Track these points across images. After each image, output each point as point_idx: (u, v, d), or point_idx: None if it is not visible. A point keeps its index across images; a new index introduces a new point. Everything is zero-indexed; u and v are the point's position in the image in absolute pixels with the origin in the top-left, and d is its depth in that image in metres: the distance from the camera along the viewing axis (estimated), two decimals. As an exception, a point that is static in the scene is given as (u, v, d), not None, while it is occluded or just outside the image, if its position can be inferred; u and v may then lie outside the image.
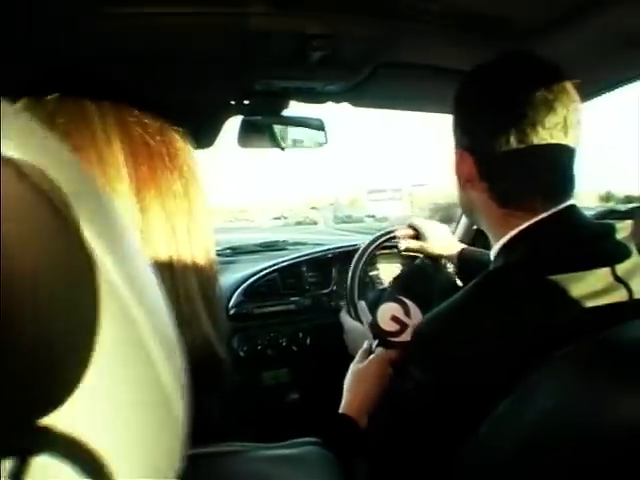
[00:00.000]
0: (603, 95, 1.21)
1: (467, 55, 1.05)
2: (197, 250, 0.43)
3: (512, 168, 0.77)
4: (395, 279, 1.09)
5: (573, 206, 0.79)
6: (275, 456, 0.38)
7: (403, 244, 1.35)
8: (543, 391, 0.63)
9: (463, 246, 1.31)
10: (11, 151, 0.18)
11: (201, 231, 0.44)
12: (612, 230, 0.78)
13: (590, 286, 0.71)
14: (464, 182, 0.84)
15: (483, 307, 0.74)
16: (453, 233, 1.98)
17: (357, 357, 1.05)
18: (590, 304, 0.70)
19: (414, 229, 1.36)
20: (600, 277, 0.72)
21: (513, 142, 0.75)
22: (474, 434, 0.69)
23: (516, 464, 0.63)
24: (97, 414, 0.20)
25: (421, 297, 1.05)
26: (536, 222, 0.77)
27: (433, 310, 0.80)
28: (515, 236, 0.79)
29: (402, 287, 1.06)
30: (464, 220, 2.02)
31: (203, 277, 0.43)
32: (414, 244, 1.33)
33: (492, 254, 0.84)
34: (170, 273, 0.40)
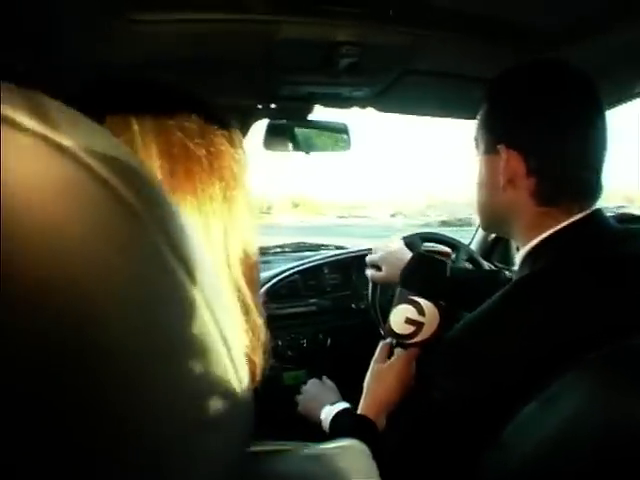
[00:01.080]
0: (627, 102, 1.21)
1: (490, 63, 1.06)
2: (234, 254, 0.43)
3: (559, 165, 0.78)
4: (401, 279, 1.07)
5: (600, 210, 0.80)
6: (319, 455, 0.39)
7: (369, 274, 1.37)
8: (567, 396, 0.63)
9: None
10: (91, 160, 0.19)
11: (240, 235, 0.44)
12: (637, 234, 0.79)
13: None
14: (505, 182, 0.84)
15: (516, 313, 0.75)
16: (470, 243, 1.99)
17: (376, 355, 1.06)
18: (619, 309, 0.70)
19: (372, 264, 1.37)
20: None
21: (559, 140, 0.77)
22: (497, 438, 0.69)
23: (538, 469, 0.63)
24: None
25: (430, 289, 1.03)
26: (569, 224, 0.78)
27: (464, 319, 0.80)
28: (546, 238, 0.79)
29: (409, 284, 1.04)
30: (479, 234, 2.02)
31: (238, 282, 0.43)
32: (377, 275, 1.34)
33: (519, 257, 0.85)
34: None
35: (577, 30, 0.95)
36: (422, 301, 1.01)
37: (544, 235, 0.80)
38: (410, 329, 1.01)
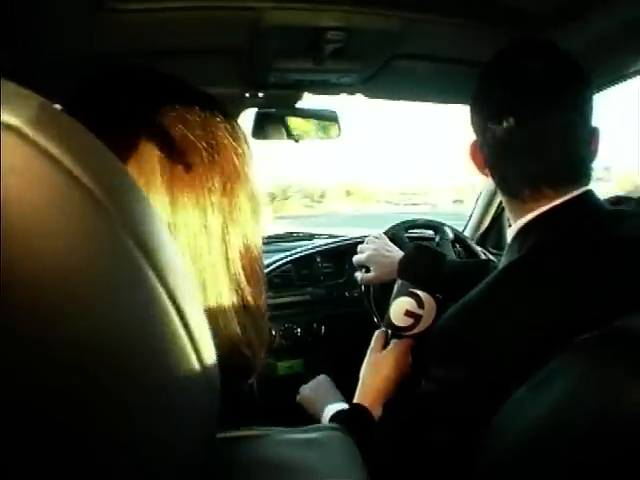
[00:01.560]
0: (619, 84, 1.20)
1: (480, 46, 1.05)
2: (233, 248, 0.42)
3: (511, 155, 0.78)
4: (401, 271, 1.07)
5: (590, 191, 0.79)
6: (299, 440, 0.39)
7: (358, 277, 1.38)
8: (559, 379, 0.64)
9: None
10: (55, 149, 0.19)
11: (241, 229, 0.43)
12: (629, 215, 0.78)
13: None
14: (482, 170, 0.85)
15: (506, 299, 0.75)
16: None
17: (372, 345, 1.06)
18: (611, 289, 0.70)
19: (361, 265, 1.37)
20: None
21: (512, 127, 0.76)
22: (491, 422, 0.69)
23: (532, 451, 0.63)
24: None
25: (430, 281, 1.04)
26: (558, 204, 0.77)
27: (453, 307, 0.80)
28: (534, 219, 0.79)
29: (410, 277, 1.05)
30: (473, 220, 2.02)
31: (237, 277, 0.42)
32: (367, 277, 1.35)
33: (509, 236, 0.86)
34: (198, 271, 0.39)
35: (569, 11, 0.93)
36: (422, 294, 1.01)
37: (530, 216, 0.80)
38: (409, 321, 1.01)
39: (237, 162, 0.44)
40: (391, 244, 1.38)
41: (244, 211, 0.44)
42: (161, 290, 0.21)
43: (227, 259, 0.41)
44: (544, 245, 0.76)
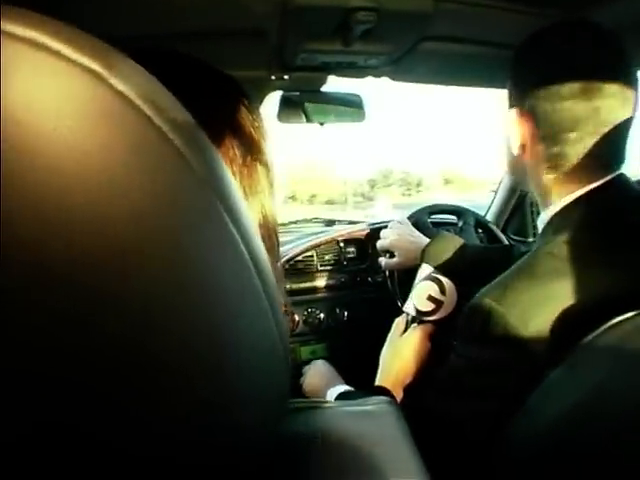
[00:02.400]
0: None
1: (512, 28, 1.03)
2: (253, 217, 0.43)
3: (572, 131, 0.77)
4: (425, 256, 1.08)
5: (622, 175, 0.79)
6: (352, 412, 0.39)
7: (382, 262, 1.39)
8: (594, 360, 0.64)
9: None
10: (134, 95, 0.18)
11: (259, 201, 0.44)
12: None
13: None
14: (519, 146, 0.84)
15: (540, 283, 0.74)
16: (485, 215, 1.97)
17: (392, 330, 1.07)
18: None
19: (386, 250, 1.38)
20: None
21: (576, 105, 0.75)
22: (523, 404, 0.69)
23: (563, 435, 0.63)
24: None
25: (453, 268, 1.04)
26: (589, 191, 0.77)
27: (487, 287, 0.79)
28: (566, 206, 0.79)
29: (434, 262, 1.05)
30: (495, 206, 2.00)
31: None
32: (392, 262, 1.35)
33: (540, 223, 0.85)
34: None
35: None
36: (445, 280, 1.02)
37: (563, 203, 0.79)
38: (431, 306, 1.02)
39: (255, 136, 0.45)
40: (414, 229, 1.38)
41: (262, 182, 0.45)
42: (243, 249, 0.21)
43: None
44: (583, 225, 0.75)
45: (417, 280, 1.07)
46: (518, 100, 0.83)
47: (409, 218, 1.51)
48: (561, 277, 0.72)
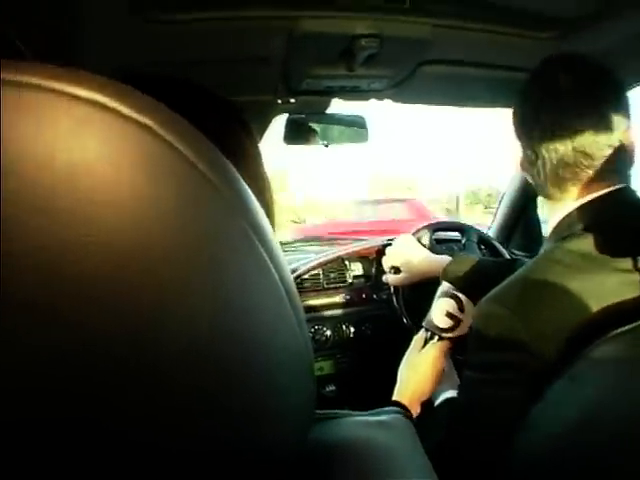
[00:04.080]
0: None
1: (510, 51, 1.07)
2: None
3: (567, 151, 0.81)
4: (446, 275, 1.10)
5: (627, 186, 0.82)
6: (370, 422, 0.41)
7: (389, 279, 1.42)
8: (592, 375, 0.64)
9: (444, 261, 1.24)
10: (180, 145, 0.21)
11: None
12: None
13: None
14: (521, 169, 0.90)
15: (545, 287, 0.76)
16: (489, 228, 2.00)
17: (412, 346, 1.09)
18: None
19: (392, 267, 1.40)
20: None
21: (566, 130, 0.80)
22: (525, 419, 0.70)
23: (565, 449, 0.63)
24: None
25: (471, 286, 1.06)
26: (595, 198, 0.80)
27: (496, 290, 0.81)
28: (572, 213, 0.82)
29: (454, 281, 1.08)
30: (498, 220, 2.03)
31: None
32: (398, 279, 1.38)
33: (549, 228, 0.88)
34: None
35: (597, 14, 0.95)
36: (464, 298, 1.04)
37: (568, 210, 0.82)
38: (449, 323, 1.04)
39: (251, 158, 0.47)
40: (420, 245, 1.40)
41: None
42: (274, 271, 0.24)
43: None
44: (587, 232, 0.78)
45: (437, 296, 1.08)
46: (517, 133, 0.88)
47: (414, 234, 1.54)
48: (565, 283, 0.74)
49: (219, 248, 0.22)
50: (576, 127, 0.79)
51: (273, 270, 0.24)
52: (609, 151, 0.80)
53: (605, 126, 0.79)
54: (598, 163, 0.80)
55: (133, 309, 0.20)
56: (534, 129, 0.84)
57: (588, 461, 0.60)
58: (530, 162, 0.86)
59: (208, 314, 0.21)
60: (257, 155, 0.48)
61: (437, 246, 1.56)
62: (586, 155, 0.80)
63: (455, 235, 1.69)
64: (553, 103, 0.81)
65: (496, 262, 1.40)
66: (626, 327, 0.63)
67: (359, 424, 0.41)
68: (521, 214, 1.96)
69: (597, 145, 0.79)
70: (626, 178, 0.82)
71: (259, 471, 0.26)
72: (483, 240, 1.68)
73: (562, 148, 0.80)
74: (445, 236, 1.69)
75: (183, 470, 0.23)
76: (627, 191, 0.81)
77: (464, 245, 1.60)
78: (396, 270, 1.38)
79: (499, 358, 0.76)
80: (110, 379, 0.20)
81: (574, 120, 0.79)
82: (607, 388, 0.62)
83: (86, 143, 0.19)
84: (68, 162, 0.19)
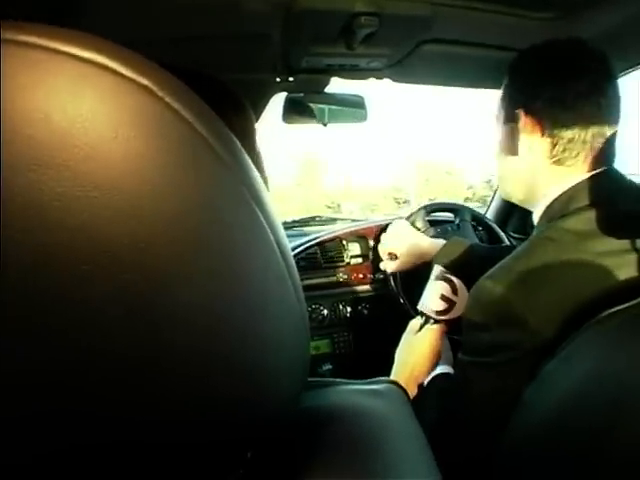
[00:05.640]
0: None
1: (509, 31, 1.07)
2: None
3: (570, 130, 0.82)
4: (439, 259, 1.11)
5: (613, 168, 0.84)
6: (363, 390, 0.42)
7: (386, 266, 1.42)
8: (589, 351, 0.64)
9: (438, 244, 1.26)
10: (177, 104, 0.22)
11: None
12: None
13: None
14: (524, 147, 0.89)
15: (552, 255, 0.77)
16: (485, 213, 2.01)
17: (408, 329, 1.10)
18: None
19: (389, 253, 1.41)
20: None
21: (571, 108, 0.82)
22: (520, 397, 0.71)
23: (559, 427, 0.64)
24: None
25: (463, 269, 1.07)
26: (582, 181, 0.82)
27: (490, 272, 0.82)
28: (560, 195, 0.83)
29: (447, 264, 1.09)
30: (495, 204, 2.03)
31: None
32: (394, 265, 1.38)
33: (536, 216, 0.90)
34: None
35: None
36: (457, 281, 1.05)
37: (558, 192, 0.84)
38: (443, 305, 1.05)
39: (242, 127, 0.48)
40: (414, 229, 1.41)
41: None
42: (270, 234, 0.25)
43: None
44: (578, 213, 0.79)
45: (430, 279, 1.09)
46: (521, 102, 0.88)
47: (407, 218, 1.55)
48: (561, 261, 0.75)
49: (217, 207, 0.22)
50: (574, 109, 0.81)
51: (269, 231, 0.25)
52: (601, 135, 0.81)
53: (606, 109, 0.81)
54: (590, 146, 0.81)
55: (129, 264, 0.20)
56: (531, 107, 0.85)
57: (580, 440, 0.61)
58: (520, 144, 0.87)
59: (206, 273, 0.22)
60: (250, 132, 0.49)
61: (431, 228, 1.57)
62: (579, 138, 0.81)
63: (449, 216, 1.70)
64: (552, 82, 0.83)
65: (490, 247, 1.42)
66: (617, 308, 0.64)
67: (351, 392, 0.42)
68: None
69: (591, 128, 0.80)
70: (612, 161, 0.84)
71: (254, 430, 0.27)
72: (481, 222, 1.69)
73: (557, 130, 0.81)
74: (439, 217, 1.69)
75: (178, 430, 0.24)
76: (613, 172, 0.83)
77: (458, 226, 1.61)
78: (393, 257, 1.39)
79: (495, 337, 0.77)
80: (110, 339, 0.21)
81: (572, 102, 0.80)
82: (597, 369, 0.62)
83: (83, 101, 0.20)
84: (65, 119, 0.19)
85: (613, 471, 0.56)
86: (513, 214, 2.03)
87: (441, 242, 1.23)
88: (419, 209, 1.61)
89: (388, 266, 1.41)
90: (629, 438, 0.55)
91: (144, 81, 0.21)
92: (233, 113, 0.48)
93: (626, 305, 0.64)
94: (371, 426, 0.38)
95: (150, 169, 0.20)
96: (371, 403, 0.40)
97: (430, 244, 1.29)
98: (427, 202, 1.66)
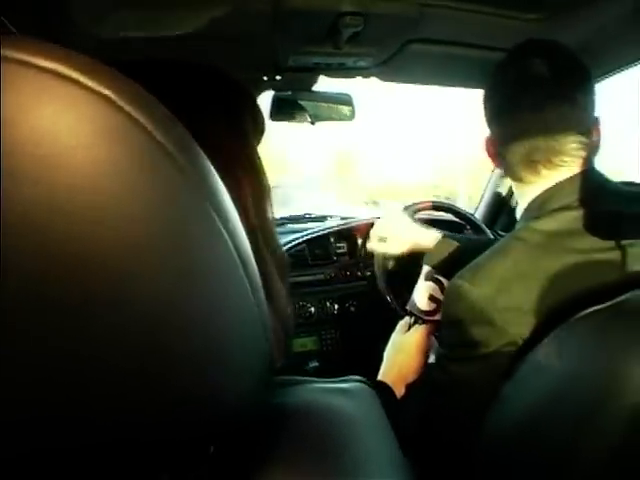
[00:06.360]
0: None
1: (495, 31, 1.07)
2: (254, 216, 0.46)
3: (513, 142, 0.85)
4: (429, 259, 1.11)
5: (594, 168, 0.85)
6: (331, 388, 0.43)
7: (369, 246, 1.41)
8: (562, 352, 0.65)
9: (436, 236, 1.23)
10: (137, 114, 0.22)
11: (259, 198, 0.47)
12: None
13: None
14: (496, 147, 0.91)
15: (523, 255, 0.78)
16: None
17: (397, 329, 1.11)
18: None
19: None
20: None
21: (510, 124, 0.85)
22: (498, 394, 0.72)
23: (538, 423, 0.65)
24: None
25: (453, 271, 1.07)
26: (563, 180, 0.82)
27: (465, 269, 0.83)
28: (541, 195, 0.84)
29: (436, 265, 1.09)
30: (483, 203, 2.05)
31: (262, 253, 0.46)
32: (377, 246, 1.37)
33: (518, 213, 0.91)
34: None
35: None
36: (446, 282, 1.05)
37: (537, 192, 0.85)
38: (432, 306, 1.06)
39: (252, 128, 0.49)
40: (407, 217, 1.41)
41: (245, 188, 0.47)
42: (230, 244, 0.25)
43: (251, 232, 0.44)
44: (555, 213, 0.80)
45: (419, 280, 1.10)
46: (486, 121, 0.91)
47: (404, 210, 1.55)
48: (530, 260, 0.77)
49: (174, 213, 0.23)
50: (549, 112, 0.81)
51: (226, 236, 0.25)
52: (579, 137, 0.82)
53: (576, 113, 0.82)
54: (569, 147, 0.82)
55: (89, 268, 0.21)
56: (507, 112, 0.86)
57: (553, 438, 0.61)
58: (501, 145, 0.87)
59: (165, 273, 0.23)
60: (261, 132, 0.51)
61: (424, 225, 1.57)
62: (557, 140, 0.81)
63: (440, 215, 1.70)
64: (527, 87, 0.83)
65: (477, 242, 1.41)
66: (593, 308, 0.64)
67: (319, 390, 0.42)
68: (508, 196, 1.98)
69: (568, 131, 0.81)
70: (592, 162, 0.85)
71: (214, 425, 0.28)
72: (469, 220, 1.70)
73: (535, 132, 0.82)
74: (428, 215, 1.69)
75: (138, 427, 0.25)
76: (593, 173, 0.84)
77: (449, 224, 1.62)
78: (382, 240, 1.37)
79: (466, 334, 0.78)
80: (70, 339, 0.22)
81: (547, 105, 0.81)
82: (573, 369, 0.63)
83: (46, 111, 0.20)
84: (29, 128, 0.20)
85: (586, 471, 0.57)
86: (501, 213, 2.04)
87: (434, 234, 1.21)
88: (409, 206, 1.60)
89: (377, 247, 1.39)
90: (603, 438, 0.56)
91: (105, 91, 0.22)
92: (247, 112, 0.49)
93: (602, 306, 0.64)
94: (339, 423, 0.38)
95: (110, 176, 0.21)
96: (340, 401, 0.41)
97: (423, 233, 1.27)
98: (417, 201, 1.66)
